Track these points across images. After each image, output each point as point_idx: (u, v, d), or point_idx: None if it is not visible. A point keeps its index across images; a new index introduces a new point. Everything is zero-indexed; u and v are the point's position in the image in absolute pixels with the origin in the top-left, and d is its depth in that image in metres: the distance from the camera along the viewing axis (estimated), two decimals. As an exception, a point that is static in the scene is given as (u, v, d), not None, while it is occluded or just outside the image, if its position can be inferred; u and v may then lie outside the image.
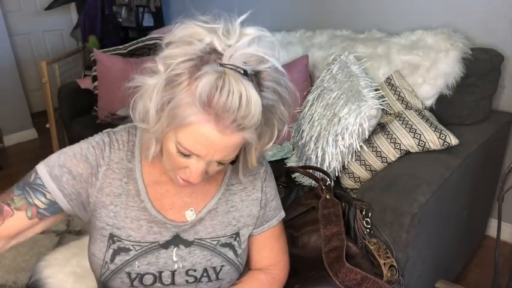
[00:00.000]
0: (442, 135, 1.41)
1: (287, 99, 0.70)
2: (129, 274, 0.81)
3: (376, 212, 1.20)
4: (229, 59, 0.63)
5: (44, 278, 1.09)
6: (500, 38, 1.75)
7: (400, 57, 1.71)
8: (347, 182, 1.57)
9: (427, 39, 1.70)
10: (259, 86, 0.65)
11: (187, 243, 0.83)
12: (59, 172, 0.78)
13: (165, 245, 0.82)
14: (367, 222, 1.18)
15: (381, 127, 1.54)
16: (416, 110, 1.57)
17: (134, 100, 0.70)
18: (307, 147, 1.64)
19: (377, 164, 1.48)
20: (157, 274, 0.82)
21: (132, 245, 0.81)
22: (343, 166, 1.54)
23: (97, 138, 0.82)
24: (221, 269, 0.85)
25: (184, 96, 0.63)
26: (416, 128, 1.45)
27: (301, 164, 1.69)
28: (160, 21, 3.19)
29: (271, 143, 0.74)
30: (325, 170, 1.44)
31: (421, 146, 1.43)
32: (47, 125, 3.09)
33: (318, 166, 1.54)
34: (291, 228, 1.15)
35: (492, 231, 2.02)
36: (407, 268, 1.20)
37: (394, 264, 1.11)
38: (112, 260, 0.80)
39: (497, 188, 1.88)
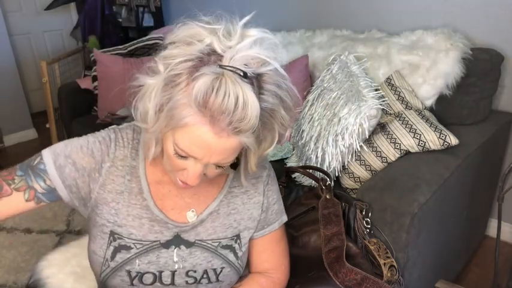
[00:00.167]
0: (442, 135, 1.41)
1: (288, 103, 0.69)
2: (129, 272, 0.81)
3: (376, 212, 1.20)
4: (229, 60, 0.63)
5: (44, 278, 1.09)
6: (500, 38, 1.75)
7: (400, 57, 1.71)
8: (347, 182, 1.57)
9: (427, 39, 1.70)
10: (259, 89, 0.65)
11: (188, 244, 0.83)
12: (63, 162, 0.78)
13: (166, 245, 0.82)
14: (367, 222, 1.18)
15: (381, 127, 1.54)
16: (416, 110, 1.57)
17: (136, 100, 0.70)
18: (307, 147, 1.64)
19: (377, 164, 1.48)
20: (157, 273, 0.82)
21: (133, 243, 0.81)
22: (343, 166, 1.54)
23: (104, 133, 0.83)
24: (221, 271, 0.85)
25: (181, 97, 0.63)
26: (416, 128, 1.45)
27: (301, 164, 1.69)
28: (160, 21, 3.19)
29: (271, 148, 0.73)
30: (325, 170, 1.44)
31: (421, 146, 1.43)
32: (47, 125, 3.09)
33: (318, 166, 1.54)
34: (291, 228, 1.15)
35: (492, 231, 2.02)
36: (407, 268, 1.20)
37: (394, 264, 1.11)
38: (113, 257, 0.80)
39: (497, 188, 1.88)
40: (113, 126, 0.85)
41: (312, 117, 1.67)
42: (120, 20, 3.21)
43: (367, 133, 1.45)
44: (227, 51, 0.63)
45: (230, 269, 0.85)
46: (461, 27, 1.80)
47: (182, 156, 0.69)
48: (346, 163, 1.53)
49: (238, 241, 0.87)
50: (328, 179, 1.23)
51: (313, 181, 1.29)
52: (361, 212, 1.19)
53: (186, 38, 0.66)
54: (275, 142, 0.73)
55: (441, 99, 1.65)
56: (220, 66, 0.62)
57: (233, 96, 0.60)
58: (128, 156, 0.82)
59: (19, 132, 3.36)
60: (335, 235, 1.11)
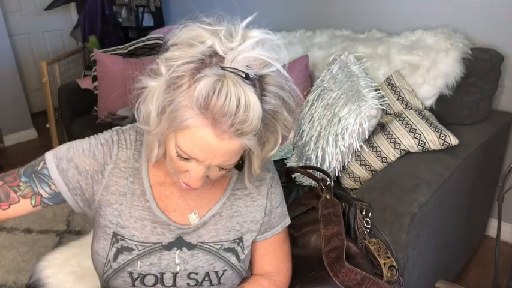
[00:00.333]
0: (442, 135, 1.41)
1: (291, 104, 0.68)
2: (131, 274, 0.81)
3: (376, 212, 1.20)
4: (231, 62, 0.62)
5: (44, 278, 1.09)
6: (500, 38, 1.75)
7: (400, 57, 1.71)
8: (347, 182, 1.57)
9: (427, 39, 1.70)
10: (261, 91, 0.64)
11: (191, 246, 0.83)
12: (66, 166, 0.79)
13: (168, 247, 0.82)
14: (367, 222, 1.18)
15: (381, 127, 1.54)
16: (416, 110, 1.57)
17: (139, 102, 0.70)
18: (307, 147, 1.64)
19: (377, 164, 1.48)
20: (159, 275, 0.82)
21: (136, 245, 0.81)
22: (343, 166, 1.54)
23: (106, 135, 0.83)
24: (223, 273, 0.84)
25: (183, 99, 0.63)
26: (416, 128, 1.45)
27: (301, 164, 1.69)
28: (160, 21, 3.19)
29: (274, 150, 0.73)
30: (325, 170, 1.44)
31: (421, 146, 1.43)
32: (47, 125, 3.09)
33: (318, 166, 1.54)
34: (291, 228, 1.15)
35: (492, 231, 2.02)
36: (407, 268, 1.20)
37: (394, 264, 1.11)
38: (115, 258, 0.80)
39: (497, 188, 1.88)
40: (116, 128, 0.85)
41: (312, 117, 1.67)
42: (120, 20, 3.21)
43: (367, 133, 1.45)
44: (229, 53, 0.63)
45: (232, 271, 0.85)
46: (461, 27, 1.80)
47: (184, 158, 0.68)
48: (346, 163, 1.53)
49: (240, 244, 0.86)
50: (328, 179, 1.23)
51: (313, 181, 1.29)
52: (361, 212, 1.19)
53: (187, 40, 0.66)
54: (278, 144, 0.72)
55: (441, 99, 1.65)
56: (222, 68, 0.62)
57: (235, 98, 0.59)
58: (131, 158, 0.82)
59: (19, 132, 3.36)
60: (335, 235, 1.11)
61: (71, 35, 3.40)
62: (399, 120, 1.52)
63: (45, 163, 0.79)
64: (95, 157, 0.80)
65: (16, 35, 3.46)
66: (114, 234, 0.81)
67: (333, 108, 1.56)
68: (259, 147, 0.69)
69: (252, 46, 0.64)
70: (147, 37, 2.75)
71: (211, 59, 0.64)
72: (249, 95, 0.60)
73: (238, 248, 0.86)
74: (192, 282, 0.83)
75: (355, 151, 1.50)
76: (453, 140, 1.40)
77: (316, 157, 1.57)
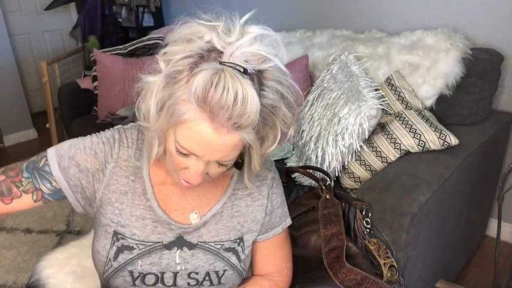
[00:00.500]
0: (442, 135, 1.41)
1: (290, 100, 0.69)
2: (131, 273, 0.81)
3: (376, 212, 1.20)
4: (229, 57, 0.63)
5: (44, 278, 1.09)
6: (500, 38, 1.75)
7: (400, 57, 1.71)
8: (347, 182, 1.57)
9: (427, 39, 1.70)
10: (260, 86, 0.65)
11: (191, 246, 0.83)
12: (67, 163, 0.79)
13: (169, 246, 0.82)
14: (367, 222, 1.18)
15: (381, 127, 1.54)
16: (416, 110, 1.57)
17: (139, 100, 0.70)
18: (307, 147, 1.64)
19: (377, 164, 1.48)
20: (159, 275, 0.82)
21: (136, 244, 0.81)
22: (343, 166, 1.54)
23: (108, 134, 0.83)
24: (223, 273, 0.84)
25: (182, 93, 0.63)
26: (416, 128, 1.45)
27: (301, 164, 1.69)
28: (160, 21, 3.19)
29: (274, 146, 0.73)
30: (325, 170, 1.44)
31: (421, 146, 1.43)
32: (47, 125, 3.09)
33: (318, 166, 1.54)
34: (291, 228, 1.15)
35: (492, 231, 2.02)
36: (407, 268, 1.20)
37: (394, 264, 1.11)
38: (115, 257, 0.81)
39: (497, 188, 1.88)
40: (118, 126, 0.85)
41: (312, 117, 1.67)
42: (120, 20, 3.21)
43: (367, 133, 1.45)
44: (227, 48, 0.63)
45: (232, 271, 0.85)
46: (461, 27, 1.80)
47: (184, 154, 0.68)
48: (346, 163, 1.53)
49: (241, 244, 0.86)
50: (328, 179, 1.23)
51: (313, 181, 1.29)
52: (361, 212, 1.19)
53: (186, 36, 0.66)
54: (277, 140, 0.72)
55: (441, 99, 1.65)
56: (221, 63, 0.62)
57: (232, 91, 0.60)
58: (132, 156, 0.82)
59: (19, 132, 3.36)
60: (335, 235, 1.11)
61: (70, 35, 3.40)
62: (399, 120, 1.52)
63: (47, 160, 0.80)
64: (96, 155, 0.80)
65: (16, 35, 3.46)
66: (115, 233, 0.81)
67: (333, 108, 1.56)
68: (258, 143, 0.69)
69: (250, 41, 0.64)
70: (147, 37, 2.75)
71: (210, 54, 0.64)
72: (247, 88, 0.60)
73: (239, 248, 0.86)
74: (193, 282, 0.83)
75: (355, 151, 1.50)
76: (453, 140, 1.40)
77: (316, 157, 1.57)
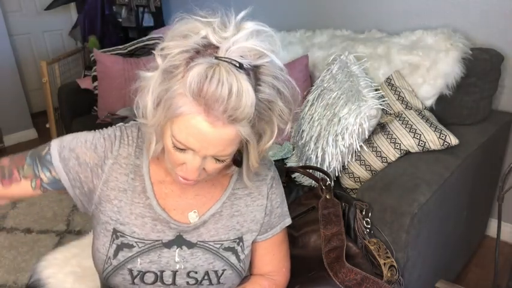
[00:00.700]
0: (442, 135, 1.41)
1: (286, 95, 0.69)
2: (131, 271, 0.81)
3: (376, 212, 1.20)
4: (225, 52, 0.63)
5: (44, 278, 1.09)
6: (500, 38, 1.75)
7: (400, 57, 1.71)
8: (347, 182, 1.57)
9: (427, 39, 1.70)
10: (256, 81, 0.65)
11: (190, 245, 0.83)
12: (67, 155, 0.80)
13: (168, 245, 0.82)
14: (367, 222, 1.18)
15: (381, 127, 1.54)
16: (416, 110, 1.57)
17: (137, 98, 0.71)
18: (307, 147, 1.64)
19: (377, 164, 1.48)
20: (158, 273, 0.82)
21: (136, 242, 0.81)
22: (343, 166, 1.54)
23: (110, 130, 0.84)
24: (223, 273, 0.84)
25: (178, 87, 0.64)
26: (416, 128, 1.45)
27: (301, 164, 1.69)
28: (160, 21, 3.19)
29: (271, 142, 0.73)
30: (325, 170, 1.44)
31: (421, 146, 1.43)
32: (47, 125, 3.09)
33: (318, 166, 1.54)
34: (291, 228, 1.15)
35: (492, 231, 2.02)
36: (407, 268, 1.20)
37: (394, 264, 1.11)
38: (115, 255, 0.81)
39: (497, 188, 1.88)
40: (120, 124, 0.86)
41: (312, 117, 1.67)
42: (120, 20, 3.21)
43: (367, 133, 1.45)
44: (223, 43, 0.64)
45: (232, 271, 0.85)
46: (461, 27, 1.80)
47: (181, 150, 0.69)
48: (346, 163, 1.53)
49: (240, 244, 0.86)
50: (328, 179, 1.23)
51: (313, 181, 1.29)
52: (361, 212, 1.19)
53: (182, 32, 0.67)
54: (274, 136, 0.72)
55: (441, 99, 1.65)
56: (216, 58, 0.63)
57: (227, 84, 0.60)
58: (132, 154, 0.82)
59: (19, 132, 3.36)
60: (335, 235, 1.11)
61: (69, 35, 3.41)
62: (399, 120, 1.52)
63: (49, 149, 0.81)
64: (96, 150, 0.81)
65: (16, 35, 3.46)
66: (114, 231, 0.81)
67: (333, 108, 1.56)
68: (255, 138, 0.69)
69: (246, 37, 0.64)
70: (147, 37, 2.75)
71: (206, 49, 0.65)
72: (242, 82, 0.61)
73: (238, 248, 0.86)
74: (192, 281, 0.83)
75: (355, 151, 1.50)
76: (453, 140, 1.40)
77: (316, 157, 1.57)
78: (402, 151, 1.46)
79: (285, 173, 1.36)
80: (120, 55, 2.55)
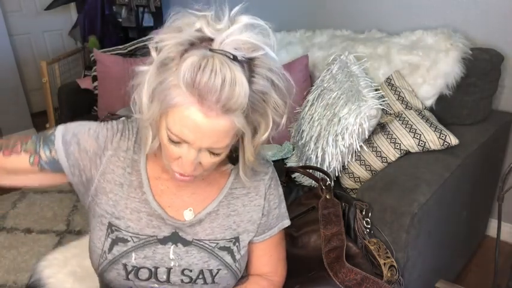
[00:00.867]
0: (442, 135, 1.41)
1: (281, 87, 0.69)
2: (125, 266, 0.81)
3: (376, 212, 1.20)
4: (219, 44, 0.64)
5: (44, 278, 1.09)
6: (500, 38, 1.75)
7: (400, 57, 1.71)
8: (347, 182, 1.57)
9: (427, 39, 1.70)
10: (250, 72, 0.65)
11: (186, 243, 0.83)
12: (70, 139, 0.81)
13: (163, 241, 0.83)
14: (367, 222, 1.18)
15: (381, 127, 1.54)
16: (416, 110, 1.57)
17: (134, 95, 0.72)
18: (307, 147, 1.64)
19: (377, 164, 1.48)
20: (153, 269, 0.82)
21: (131, 236, 0.81)
22: (343, 166, 1.54)
23: (114, 123, 0.85)
24: (217, 272, 0.84)
25: (172, 78, 0.65)
26: (416, 128, 1.45)
27: (301, 164, 1.69)
28: (160, 21, 3.19)
29: (266, 134, 0.73)
30: (325, 170, 1.44)
31: (421, 146, 1.43)
32: (47, 125, 3.09)
33: (318, 166, 1.54)
34: (291, 228, 1.15)
35: (492, 231, 2.02)
36: (407, 268, 1.20)
37: (394, 264, 1.11)
38: (110, 249, 0.81)
39: (497, 188, 1.88)
40: (122, 118, 0.87)
41: (312, 117, 1.67)
42: (120, 20, 3.20)
43: (367, 133, 1.46)
44: (217, 35, 0.64)
45: (227, 271, 0.85)
46: (461, 27, 1.80)
47: (176, 143, 0.69)
48: (346, 163, 1.53)
49: (236, 244, 0.86)
50: (328, 179, 1.23)
51: (313, 181, 1.29)
52: (361, 212, 1.19)
53: (177, 25, 0.67)
54: (269, 129, 0.73)
55: (441, 99, 1.65)
56: (211, 50, 0.63)
57: (220, 74, 0.60)
58: (131, 148, 0.83)
59: (19, 132, 3.36)
60: (335, 235, 1.11)
61: (69, 35, 3.40)
62: (399, 120, 1.52)
63: (54, 131, 0.82)
64: (97, 139, 0.81)
65: (16, 35, 3.45)
66: (110, 225, 0.82)
67: (333, 108, 1.56)
68: (249, 129, 0.70)
69: (240, 30, 0.65)
70: (147, 37, 2.75)
71: (201, 42, 0.66)
72: (235, 72, 0.61)
73: (234, 248, 0.86)
74: (186, 279, 0.83)
75: (355, 151, 1.50)
76: (453, 140, 1.40)
77: (316, 157, 1.57)
78: (402, 151, 1.46)
79: (285, 173, 1.37)
80: (120, 55, 2.55)
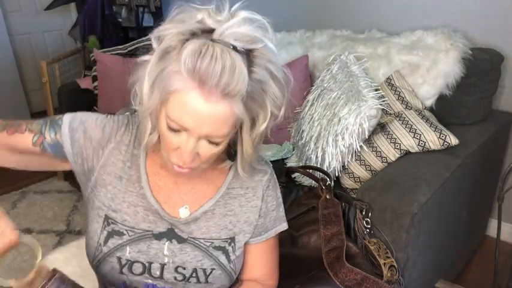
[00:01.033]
0: (442, 135, 1.41)
1: (279, 78, 0.70)
2: (119, 259, 0.81)
3: (376, 212, 1.20)
4: (220, 35, 0.65)
5: (44, 278, 1.09)
6: (500, 38, 1.75)
7: (400, 57, 1.71)
8: (347, 182, 1.57)
9: (427, 39, 1.70)
10: (249, 63, 0.66)
11: (181, 240, 0.83)
12: (76, 125, 0.82)
13: (158, 236, 0.83)
14: (367, 222, 1.18)
15: (381, 127, 1.54)
16: (416, 110, 1.57)
17: (134, 89, 0.72)
18: (307, 147, 1.64)
19: (377, 164, 1.48)
20: (146, 264, 0.82)
21: (126, 230, 0.82)
22: (343, 166, 1.54)
23: (120, 117, 0.86)
24: (211, 272, 0.84)
25: (173, 66, 0.65)
26: (416, 128, 1.45)
27: (301, 164, 1.69)
28: (160, 21, 3.18)
29: (264, 125, 0.73)
30: (325, 170, 1.44)
31: (421, 146, 1.43)
32: (47, 125, 3.08)
33: (318, 166, 1.54)
34: (291, 228, 1.15)
35: (492, 231, 2.02)
36: (407, 268, 1.20)
37: (394, 264, 1.12)
38: (105, 242, 0.81)
39: (497, 188, 1.88)
40: (127, 113, 0.88)
41: (312, 117, 1.67)
42: (120, 20, 3.20)
43: (367, 133, 1.46)
44: (218, 26, 0.65)
45: (221, 271, 0.84)
46: (461, 27, 1.80)
47: (175, 131, 0.69)
48: (346, 163, 1.53)
49: (232, 244, 0.86)
50: (328, 179, 1.23)
51: (313, 181, 1.29)
52: (361, 212, 1.19)
53: (179, 17, 0.69)
54: (267, 120, 0.73)
55: (441, 99, 1.65)
56: (212, 40, 0.64)
57: (220, 60, 0.62)
58: (132, 142, 0.84)
59: (19, 132, 3.36)
60: (335, 235, 1.11)
61: (69, 34, 3.40)
62: (399, 120, 1.52)
63: (62, 117, 0.83)
64: (104, 129, 0.82)
65: (16, 35, 3.46)
66: (106, 217, 0.82)
67: (333, 108, 1.56)
68: (248, 118, 0.70)
69: (239, 23, 0.66)
70: (147, 37, 2.74)
71: (202, 33, 0.67)
72: (236, 60, 0.63)
73: (229, 248, 0.86)
74: (179, 277, 0.83)
75: (355, 151, 1.50)
76: (453, 140, 1.40)
77: (316, 157, 1.57)
78: (402, 151, 1.46)
79: (285, 173, 1.37)
80: (120, 55, 2.55)
